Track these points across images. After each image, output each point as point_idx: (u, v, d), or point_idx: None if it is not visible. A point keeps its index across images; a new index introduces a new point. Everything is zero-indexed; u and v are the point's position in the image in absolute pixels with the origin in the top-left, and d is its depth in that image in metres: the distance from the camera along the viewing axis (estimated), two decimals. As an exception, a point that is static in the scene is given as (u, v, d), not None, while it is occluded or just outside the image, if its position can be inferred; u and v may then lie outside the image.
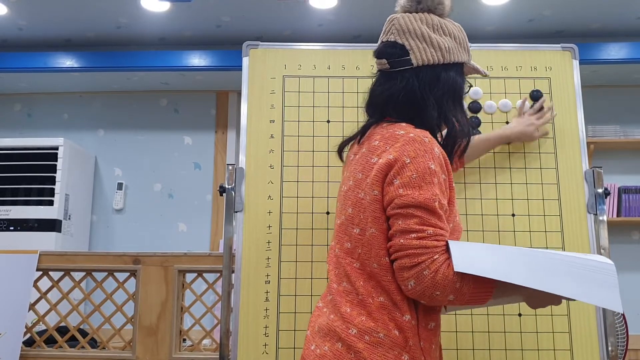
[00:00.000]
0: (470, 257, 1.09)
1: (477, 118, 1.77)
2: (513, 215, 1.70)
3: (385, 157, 1.18)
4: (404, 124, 1.24)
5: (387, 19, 1.33)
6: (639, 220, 3.88)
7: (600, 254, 1.68)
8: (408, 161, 1.15)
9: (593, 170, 1.73)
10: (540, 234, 1.69)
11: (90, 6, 3.55)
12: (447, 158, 1.21)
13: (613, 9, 3.51)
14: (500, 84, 1.81)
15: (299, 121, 1.76)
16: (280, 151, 1.74)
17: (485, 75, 1.40)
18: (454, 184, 1.23)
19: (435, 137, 1.26)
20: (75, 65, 3.87)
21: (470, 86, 1.39)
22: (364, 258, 1.19)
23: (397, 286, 1.15)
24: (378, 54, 1.32)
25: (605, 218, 1.71)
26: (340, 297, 1.20)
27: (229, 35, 3.89)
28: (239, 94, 1.74)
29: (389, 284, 1.16)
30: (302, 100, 1.78)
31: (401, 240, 1.12)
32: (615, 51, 3.64)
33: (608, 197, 1.77)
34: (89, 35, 3.94)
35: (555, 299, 1.16)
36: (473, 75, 1.81)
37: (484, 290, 1.11)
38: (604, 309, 1.64)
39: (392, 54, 1.28)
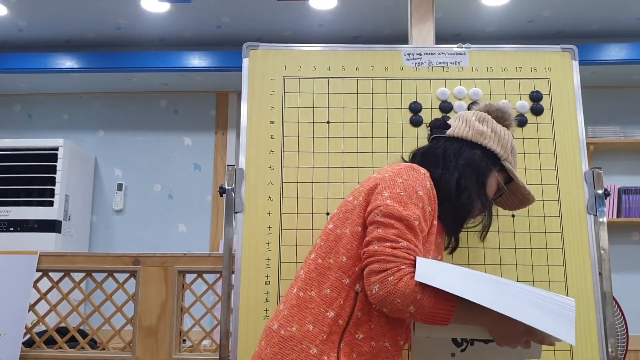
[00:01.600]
0: (434, 271, 1.14)
1: (477, 119, 1.77)
2: (513, 216, 1.70)
3: (382, 174, 1.30)
4: (414, 164, 1.34)
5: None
6: (639, 221, 3.89)
7: (600, 254, 1.68)
8: (400, 181, 1.25)
9: (593, 171, 1.73)
10: (540, 234, 1.69)
11: (90, 7, 3.55)
12: (435, 196, 1.29)
13: (613, 9, 3.52)
14: (500, 84, 1.81)
15: (299, 122, 1.76)
16: (280, 152, 1.74)
17: (527, 204, 1.57)
18: (433, 233, 1.29)
19: (445, 197, 1.33)
20: (75, 66, 3.87)
21: (504, 192, 1.48)
22: (324, 251, 1.26)
23: (339, 285, 1.21)
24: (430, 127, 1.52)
25: (605, 219, 1.71)
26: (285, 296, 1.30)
27: (229, 36, 3.89)
28: (239, 94, 1.75)
29: (331, 281, 1.22)
30: (302, 101, 1.78)
31: (375, 247, 1.18)
32: (615, 52, 3.64)
33: (608, 197, 1.77)
34: (89, 36, 3.94)
35: (519, 336, 1.18)
36: (472, 75, 1.82)
37: (444, 307, 1.15)
38: (604, 310, 1.64)
39: (437, 126, 1.48)
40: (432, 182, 1.30)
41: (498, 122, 1.45)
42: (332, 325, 1.19)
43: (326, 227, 1.32)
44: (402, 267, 1.15)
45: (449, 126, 1.45)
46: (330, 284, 1.22)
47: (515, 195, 1.53)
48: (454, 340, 1.27)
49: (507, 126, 1.47)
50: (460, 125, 1.43)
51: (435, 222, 1.29)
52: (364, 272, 1.19)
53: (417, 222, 1.20)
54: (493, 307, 1.09)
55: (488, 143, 1.41)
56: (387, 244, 1.17)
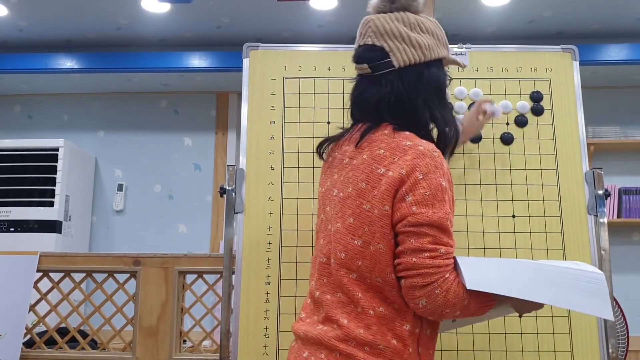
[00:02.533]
0: (479, 274, 1.13)
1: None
2: (513, 216, 1.70)
3: (397, 171, 1.15)
4: (408, 133, 1.22)
5: (362, 22, 1.30)
6: (639, 222, 3.88)
7: (601, 255, 1.68)
8: (421, 177, 1.13)
9: (593, 172, 1.73)
10: (540, 235, 1.69)
11: (90, 7, 3.55)
12: (448, 167, 1.20)
13: (613, 10, 3.52)
14: (500, 85, 1.81)
15: (299, 122, 1.76)
16: (280, 152, 1.74)
17: (464, 66, 1.41)
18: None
19: (432, 139, 1.25)
20: (76, 67, 3.87)
21: (451, 79, 1.35)
22: (364, 271, 1.17)
23: (400, 298, 1.15)
24: (357, 59, 1.30)
25: (605, 219, 1.71)
26: (335, 308, 1.18)
27: (229, 37, 3.89)
28: (239, 95, 1.74)
29: (392, 297, 1.16)
30: (303, 101, 1.78)
31: (413, 259, 1.11)
32: (615, 52, 3.64)
33: (608, 198, 1.77)
34: (89, 37, 3.94)
35: (539, 304, 1.19)
36: (473, 76, 1.81)
37: (486, 303, 1.15)
38: (604, 310, 1.64)
39: (372, 57, 1.26)
40: (445, 161, 1.19)
41: (410, 10, 1.28)
42: (411, 336, 1.17)
43: (350, 241, 1.18)
44: (446, 275, 1.10)
45: (387, 54, 1.24)
46: (389, 299, 1.17)
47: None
48: None
49: (417, 8, 1.29)
50: (400, 48, 1.23)
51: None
52: (404, 285, 1.13)
53: (448, 222, 1.13)
54: (538, 299, 1.13)
55: (435, 52, 1.26)
56: (425, 254, 1.10)
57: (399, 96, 1.23)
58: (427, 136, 1.24)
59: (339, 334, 1.15)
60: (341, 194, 1.23)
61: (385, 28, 1.25)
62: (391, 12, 1.28)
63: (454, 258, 1.14)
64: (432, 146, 1.19)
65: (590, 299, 1.14)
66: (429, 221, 1.11)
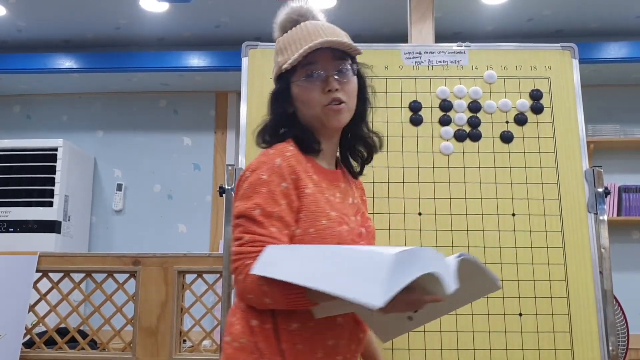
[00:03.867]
0: (274, 259, 1.09)
1: (476, 118, 1.77)
2: (513, 214, 1.70)
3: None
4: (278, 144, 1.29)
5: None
6: (639, 220, 3.88)
7: (601, 253, 1.68)
8: (247, 174, 1.22)
9: (593, 170, 1.73)
10: (540, 233, 1.69)
11: (89, 7, 3.55)
12: (297, 168, 1.21)
13: (612, 8, 3.51)
14: (500, 83, 1.80)
15: (298, 121, 1.76)
16: (279, 151, 1.73)
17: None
18: (317, 193, 1.22)
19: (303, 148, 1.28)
20: (75, 67, 3.86)
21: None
22: None
23: None
24: None
25: (605, 217, 1.70)
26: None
27: (228, 36, 3.89)
28: (238, 94, 1.74)
29: None
30: (302, 100, 1.78)
31: (232, 248, 1.18)
32: (614, 50, 3.64)
33: (608, 196, 1.77)
34: (88, 36, 3.94)
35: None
36: (472, 74, 1.81)
37: (295, 293, 1.09)
38: (604, 308, 1.63)
39: None
40: (287, 158, 1.22)
41: (286, 32, 1.33)
42: (263, 331, 1.18)
43: None
44: (247, 262, 1.13)
45: None
46: None
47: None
48: None
49: (286, 29, 1.33)
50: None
51: (310, 186, 1.22)
52: None
53: (256, 211, 1.16)
54: (313, 286, 1.02)
55: (277, 65, 1.31)
56: (236, 242, 1.17)
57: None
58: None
59: (226, 329, 1.24)
60: None
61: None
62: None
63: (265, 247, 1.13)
64: (281, 146, 1.25)
65: (364, 284, 0.96)
66: (239, 213, 1.18)
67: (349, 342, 1.24)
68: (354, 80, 1.31)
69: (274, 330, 1.17)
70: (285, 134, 1.29)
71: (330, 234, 1.19)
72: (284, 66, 1.27)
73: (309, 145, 1.28)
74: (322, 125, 1.28)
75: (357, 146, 1.38)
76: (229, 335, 1.20)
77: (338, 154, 1.39)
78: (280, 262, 1.09)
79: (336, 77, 1.26)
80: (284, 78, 1.30)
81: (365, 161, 1.40)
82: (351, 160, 1.40)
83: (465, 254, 1.12)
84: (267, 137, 1.31)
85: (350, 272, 0.99)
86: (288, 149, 1.24)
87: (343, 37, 1.29)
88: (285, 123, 1.31)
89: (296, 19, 1.33)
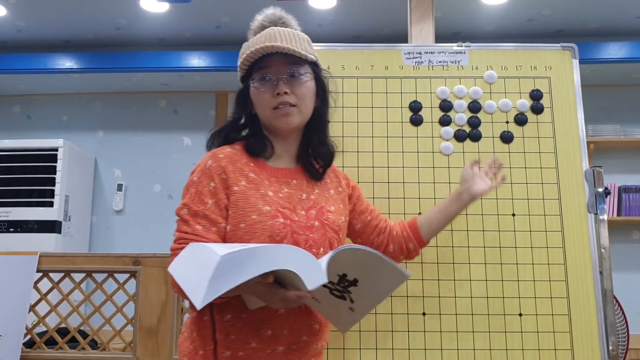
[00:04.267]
0: (182, 258, 1.16)
1: (476, 118, 1.77)
2: (513, 214, 1.70)
3: None
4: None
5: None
6: (639, 220, 3.88)
7: (601, 253, 1.68)
8: (189, 179, 1.32)
9: (593, 170, 1.73)
10: (540, 233, 1.69)
11: (89, 7, 3.55)
12: (227, 168, 1.29)
13: (612, 8, 3.52)
14: (500, 83, 1.80)
15: (298, 121, 1.76)
16: (280, 152, 1.73)
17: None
18: (250, 189, 1.28)
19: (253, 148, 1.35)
20: (75, 67, 3.87)
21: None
22: None
23: None
24: None
25: (605, 217, 1.70)
26: None
27: (228, 36, 3.89)
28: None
29: None
30: (302, 100, 1.78)
31: None
32: (615, 50, 3.64)
33: (608, 196, 1.77)
34: (88, 37, 3.94)
35: (266, 296, 1.17)
36: (473, 74, 1.81)
37: None
38: (604, 308, 1.64)
39: None
40: (223, 155, 1.31)
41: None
42: (198, 322, 1.28)
43: None
44: (172, 259, 1.22)
45: None
46: None
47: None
48: (336, 296, 1.27)
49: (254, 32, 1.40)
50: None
51: (242, 184, 1.28)
52: None
53: (183, 211, 1.27)
54: (177, 279, 1.12)
55: (239, 66, 1.39)
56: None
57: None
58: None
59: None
60: None
61: None
62: None
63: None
64: (218, 149, 1.34)
65: (196, 283, 1.02)
66: (175, 213, 1.29)
67: (298, 333, 1.28)
68: (308, 84, 1.35)
69: (211, 321, 1.24)
70: (235, 138, 1.38)
71: (261, 228, 1.24)
72: (239, 69, 1.37)
73: (255, 149, 1.35)
74: (272, 126, 1.35)
75: (315, 148, 1.41)
76: (184, 325, 1.34)
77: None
78: (183, 261, 1.16)
79: (286, 81, 1.32)
80: (244, 81, 1.38)
81: (324, 166, 1.42)
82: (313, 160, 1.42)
83: (348, 246, 1.17)
84: (216, 141, 1.39)
85: (195, 270, 1.07)
86: (223, 151, 1.33)
87: (298, 43, 1.34)
88: (246, 123, 1.40)
89: (266, 26, 1.40)
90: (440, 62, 1.82)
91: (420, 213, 1.69)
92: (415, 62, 1.82)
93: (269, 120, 1.34)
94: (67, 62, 3.87)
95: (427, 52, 1.83)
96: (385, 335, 1.62)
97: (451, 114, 1.77)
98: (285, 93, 1.31)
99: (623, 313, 2.79)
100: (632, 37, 3.76)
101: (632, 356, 3.74)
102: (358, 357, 1.60)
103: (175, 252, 1.23)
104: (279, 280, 1.14)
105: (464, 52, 1.83)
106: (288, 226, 1.27)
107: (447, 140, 1.76)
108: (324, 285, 1.21)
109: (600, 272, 1.66)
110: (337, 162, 1.71)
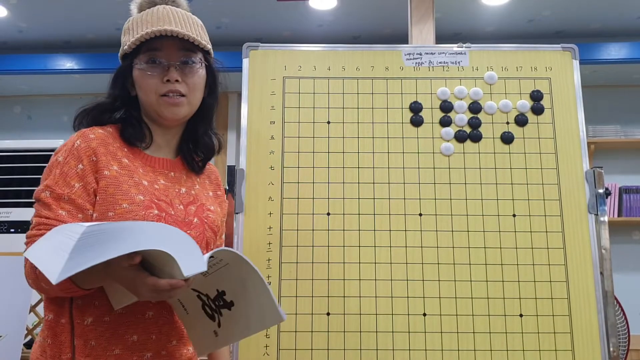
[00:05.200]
0: (46, 243, 0.99)
1: (477, 119, 1.77)
2: (514, 215, 1.70)
3: None
4: None
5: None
6: (640, 220, 3.89)
7: (601, 254, 1.68)
8: (52, 159, 1.19)
9: (594, 171, 1.73)
10: (541, 234, 1.69)
11: (89, 8, 3.55)
12: (98, 150, 1.17)
13: (613, 9, 3.52)
14: (500, 84, 1.80)
15: (299, 122, 1.76)
16: (280, 152, 1.74)
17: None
18: (123, 175, 1.18)
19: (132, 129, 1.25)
20: (75, 67, 3.87)
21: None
22: None
23: None
24: None
25: (606, 218, 1.70)
26: None
27: (229, 37, 3.89)
28: (239, 95, 1.74)
29: None
30: (303, 101, 1.78)
31: None
32: (615, 51, 3.64)
33: (609, 197, 1.77)
34: (88, 37, 3.94)
35: (135, 285, 1.02)
36: (473, 75, 1.81)
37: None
38: (605, 309, 1.63)
39: None
40: (94, 135, 1.19)
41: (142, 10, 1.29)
42: (56, 326, 1.14)
43: None
44: (29, 247, 1.09)
45: None
46: None
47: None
48: (207, 313, 1.18)
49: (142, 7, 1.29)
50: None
51: (113, 168, 1.17)
52: None
53: (44, 194, 1.13)
54: (39, 265, 0.94)
55: (122, 45, 1.27)
56: (30, 227, 1.13)
57: None
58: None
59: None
60: None
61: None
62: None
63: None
64: (88, 129, 1.22)
65: (55, 259, 0.88)
66: (34, 197, 1.15)
67: (167, 338, 1.19)
68: (200, 74, 1.28)
69: (69, 324, 1.12)
70: (107, 120, 1.27)
71: (132, 218, 1.13)
72: (124, 47, 1.25)
73: (131, 136, 1.24)
74: (157, 114, 1.26)
75: (199, 140, 1.35)
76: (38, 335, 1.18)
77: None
78: (44, 244, 0.99)
79: (177, 68, 1.23)
80: (127, 59, 1.27)
81: (205, 158, 1.37)
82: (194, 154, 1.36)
83: (235, 250, 1.08)
84: (84, 120, 1.28)
85: (55, 248, 0.91)
86: (94, 132, 1.21)
87: (194, 28, 1.26)
88: (124, 105, 1.28)
89: (153, 1, 1.29)
90: (440, 62, 1.82)
91: (421, 214, 1.69)
92: (416, 62, 1.82)
93: (154, 107, 1.24)
94: (67, 63, 3.87)
95: (427, 53, 1.83)
96: (385, 336, 1.62)
97: (452, 114, 1.77)
98: (177, 81, 1.22)
99: (624, 314, 2.79)
100: (633, 38, 3.76)
101: (633, 357, 3.74)
102: (359, 357, 1.60)
103: (32, 239, 1.09)
104: (148, 268, 1.01)
105: (465, 53, 1.83)
106: (163, 219, 1.17)
107: (448, 141, 1.76)
108: (199, 297, 1.13)
109: (601, 273, 1.66)
110: (337, 163, 1.71)
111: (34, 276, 1.07)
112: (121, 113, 1.28)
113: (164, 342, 1.19)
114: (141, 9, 1.29)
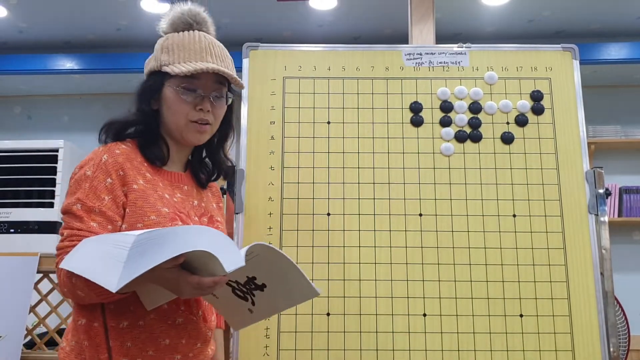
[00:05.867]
0: (82, 253, 1.09)
1: (477, 119, 1.77)
2: (514, 215, 1.70)
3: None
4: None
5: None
6: (640, 221, 3.89)
7: (602, 254, 1.68)
8: (76, 172, 1.24)
9: (594, 171, 1.73)
10: (541, 234, 1.69)
11: (89, 8, 3.55)
12: (125, 165, 1.23)
13: (613, 9, 3.52)
14: (500, 84, 1.80)
15: (299, 122, 1.76)
16: (280, 152, 1.73)
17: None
18: (149, 189, 1.24)
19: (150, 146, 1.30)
20: (75, 68, 3.87)
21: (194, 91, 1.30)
22: None
23: None
24: None
25: (606, 218, 1.70)
26: None
27: (229, 37, 3.89)
28: (239, 95, 1.73)
29: None
30: (303, 101, 1.78)
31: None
32: (615, 51, 3.64)
33: (609, 197, 1.77)
34: (88, 37, 3.94)
35: (177, 285, 1.10)
36: (473, 75, 1.81)
37: (98, 284, 1.05)
38: (605, 310, 1.63)
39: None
40: (120, 151, 1.25)
41: (180, 31, 1.34)
42: (90, 330, 1.20)
43: None
44: (63, 256, 1.13)
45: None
46: None
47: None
48: (238, 296, 1.26)
49: (178, 28, 1.34)
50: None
51: (140, 182, 1.24)
52: None
53: (76, 206, 1.18)
54: (82, 273, 1.04)
55: (158, 61, 1.31)
56: (60, 238, 1.18)
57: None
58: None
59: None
60: None
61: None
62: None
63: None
64: (113, 144, 1.27)
65: (109, 269, 0.98)
66: (62, 210, 1.20)
67: (194, 341, 1.27)
68: (224, 106, 1.36)
69: (103, 328, 1.18)
70: (127, 135, 1.32)
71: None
72: (166, 68, 1.29)
73: (152, 156, 1.30)
74: (181, 136, 1.32)
75: (209, 164, 1.43)
76: (63, 340, 1.23)
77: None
78: (83, 254, 1.09)
79: (211, 99, 1.31)
80: (159, 76, 1.31)
81: (211, 179, 1.44)
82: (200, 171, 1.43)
83: (266, 243, 1.15)
84: (110, 134, 1.31)
85: (103, 258, 1.01)
86: (119, 147, 1.26)
87: (228, 62, 1.35)
88: (144, 120, 1.32)
89: (190, 23, 1.35)
90: (440, 63, 1.82)
91: (421, 214, 1.69)
92: (416, 63, 1.82)
93: (180, 130, 1.31)
94: (67, 63, 3.87)
95: (427, 53, 1.83)
96: (385, 336, 1.62)
97: (452, 114, 1.77)
98: (208, 111, 1.30)
99: (624, 314, 2.79)
100: (633, 38, 3.76)
101: (633, 357, 3.74)
102: (359, 357, 1.60)
103: (65, 249, 1.14)
104: (186, 267, 1.08)
105: (465, 53, 1.83)
106: None
107: (448, 141, 1.75)
108: (228, 284, 1.21)
109: (601, 273, 1.66)
110: (338, 163, 1.71)
111: (70, 285, 1.12)
112: (140, 126, 1.33)
113: (191, 346, 1.27)
114: (176, 29, 1.34)
